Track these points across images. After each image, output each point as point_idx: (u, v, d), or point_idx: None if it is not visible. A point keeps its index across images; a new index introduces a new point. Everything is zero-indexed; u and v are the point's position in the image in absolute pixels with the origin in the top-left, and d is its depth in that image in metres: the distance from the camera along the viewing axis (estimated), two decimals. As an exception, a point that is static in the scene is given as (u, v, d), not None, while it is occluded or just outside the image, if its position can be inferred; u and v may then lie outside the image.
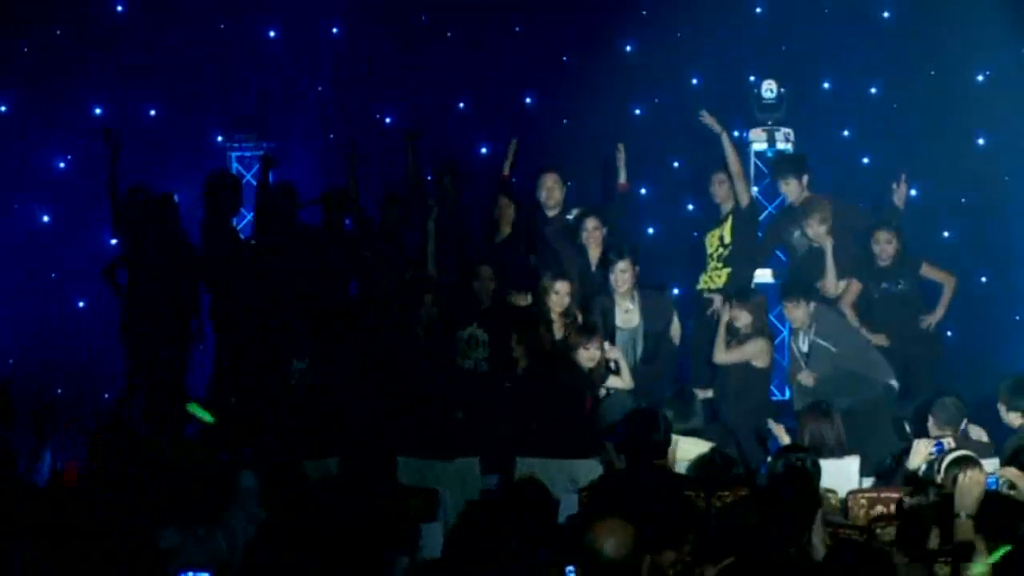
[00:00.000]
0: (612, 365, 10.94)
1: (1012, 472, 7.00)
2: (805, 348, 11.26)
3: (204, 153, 13.58)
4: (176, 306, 11.85)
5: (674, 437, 8.73)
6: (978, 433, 9.70)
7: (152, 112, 13.62)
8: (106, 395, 13.38)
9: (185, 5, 13.46)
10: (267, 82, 13.57)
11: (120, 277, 11.93)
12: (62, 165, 13.89)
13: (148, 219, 11.77)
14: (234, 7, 13.64)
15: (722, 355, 11.18)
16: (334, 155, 12.82)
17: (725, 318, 11.23)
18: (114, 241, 13.04)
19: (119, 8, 13.88)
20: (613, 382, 10.90)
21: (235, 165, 13.58)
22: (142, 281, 11.84)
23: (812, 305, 11.25)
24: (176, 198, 12.07)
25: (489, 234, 12.18)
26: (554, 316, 11.25)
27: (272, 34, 14.13)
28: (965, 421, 9.61)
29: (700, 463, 8.67)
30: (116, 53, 13.46)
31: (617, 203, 12.20)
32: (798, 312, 11.24)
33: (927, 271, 12.03)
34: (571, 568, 5.81)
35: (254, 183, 12.61)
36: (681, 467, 8.86)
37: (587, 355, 10.70)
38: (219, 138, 13.64)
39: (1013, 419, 9.68)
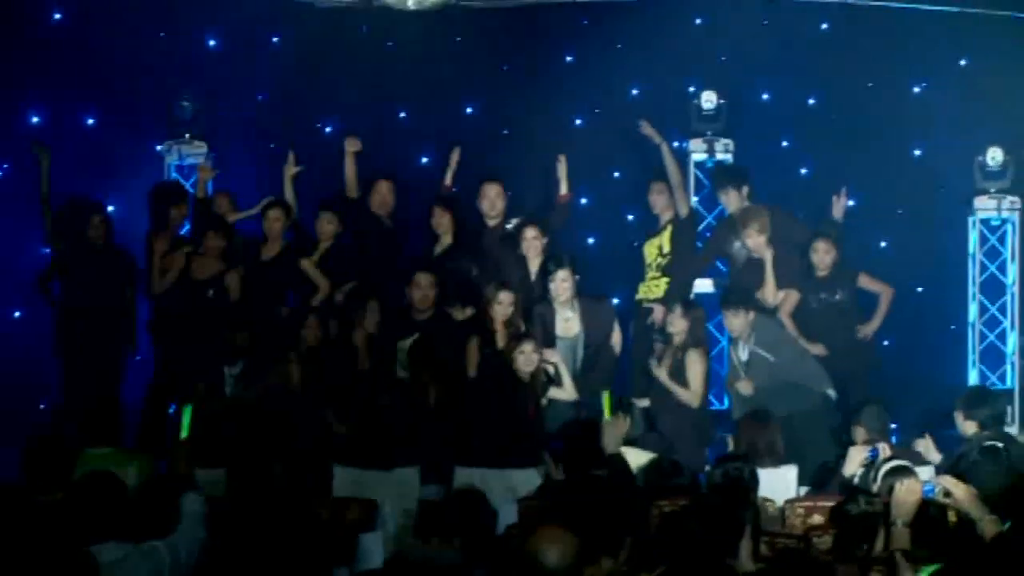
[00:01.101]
0: (552, 372, 10.92)
1: (948, 480, 7.02)
2: (744, 357, 11.28)
3: (143, 162, 13.48)
4: (111, 316, 11.78)
5: (623, 430, 8.74)
6: (925, 445, 9.73)
7: (90, 121, 13.52)
8: (42, 406, 13.29)
9: (124, 14, 13.34)
10: (207, 91, 13.48)
11: (54, 287, 11.84)
12: (-1, 174, 13.79)
13: (81, 229, 11.69)
14: (174, 16, 13.55)
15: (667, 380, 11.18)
16: (274, 164, 12.73)
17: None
18: (47, 251, 12.96)
19: (56, 16, 13.77)
20: (555, 393, 10.87)
21: (174, 174, 13.49)
22: (76, 291, 11.77)
23: (752, 314, 11.29)
24: (110, 207, 12.01)
25: (429, 245, 12.15)
26: (497, 326, 11.22)
27: (212, 43, 14.07)
28: (928, 437, 9.68)
29: (650, 469, 8.66)
30: (53, 61, 13.33)
31: (558, 213, 12.20)
32: (737, 321, 11.27)
33: (864, 282, 12.11)
34: None
35: (193, 191, 12.55)
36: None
37: (523, 359, 10.65)
38: (158, 147, 13.54)
39: (968, 427, 9.74)
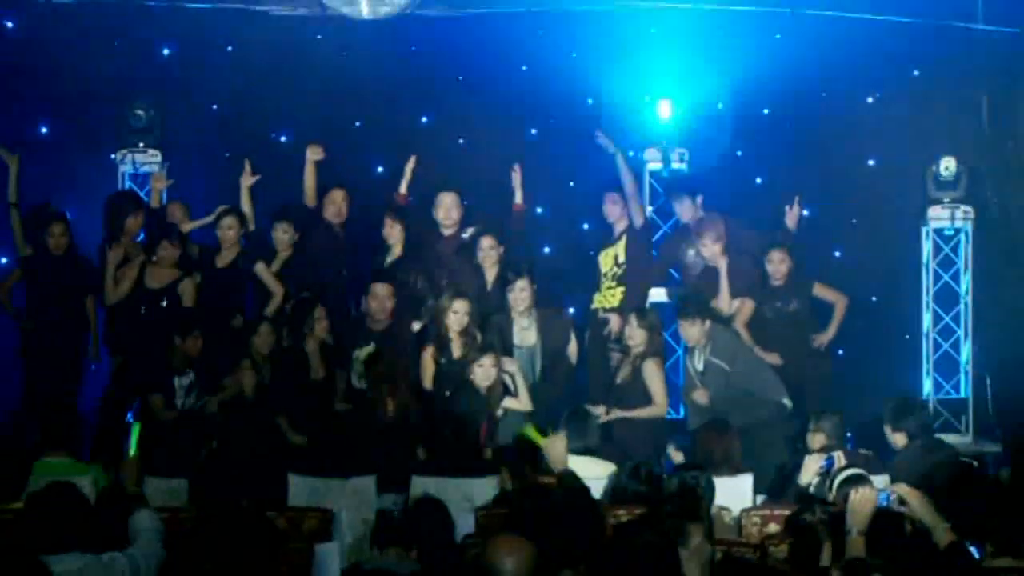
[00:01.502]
0: (509, 384, 10.93)
1: (903, 488, 7.08)
2: (700, 367, 11.32)
3: (97, 170, 13.41)
4: (71, 325, 11.75)
5: (565, 444, 8.74)
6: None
7: (44, 129, 13.46)
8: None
9: (77, 22, 13.29)
10: (161, 99, 13.43)
11: (17, 296, 11.78)
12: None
13: (41, 237, 11.66)
14: (128, 24, 13.50)
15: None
16: (229, 172, 12.70)
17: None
18: (3, 260, 12.90)
19: (8, 24, 13.70)
20: (510, 403, 10.88)
21: (128, 182, 13.43)
22: (37, 300, 11.72)
23: (708, 324, 11.33)
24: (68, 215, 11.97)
25: (380, 255, 12.14)
26: (452, 335, 11.24)
27: (166, 52, 14.02)
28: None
29: (624, 474, 8.67)
30: (5, 69, 13.26)
31: (513, 222, 12.22)
32: (693, 330, 11.30)
33: (819, 291, 12.19)
34: None
35: (147, 200, 12.50)
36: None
37: (482, 372, 10.68)
38: (112, 155, 13.48)
39: (898, 439, 9.84)
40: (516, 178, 12.21)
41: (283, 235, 11.96)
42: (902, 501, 7.04)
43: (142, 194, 12.88)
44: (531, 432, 8.65)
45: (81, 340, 11.90)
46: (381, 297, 11.38)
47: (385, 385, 10.70)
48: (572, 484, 7.91)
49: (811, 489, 8.89)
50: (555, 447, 8.17)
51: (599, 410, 10.95)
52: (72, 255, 11.79)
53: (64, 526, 6.55)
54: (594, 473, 9.24)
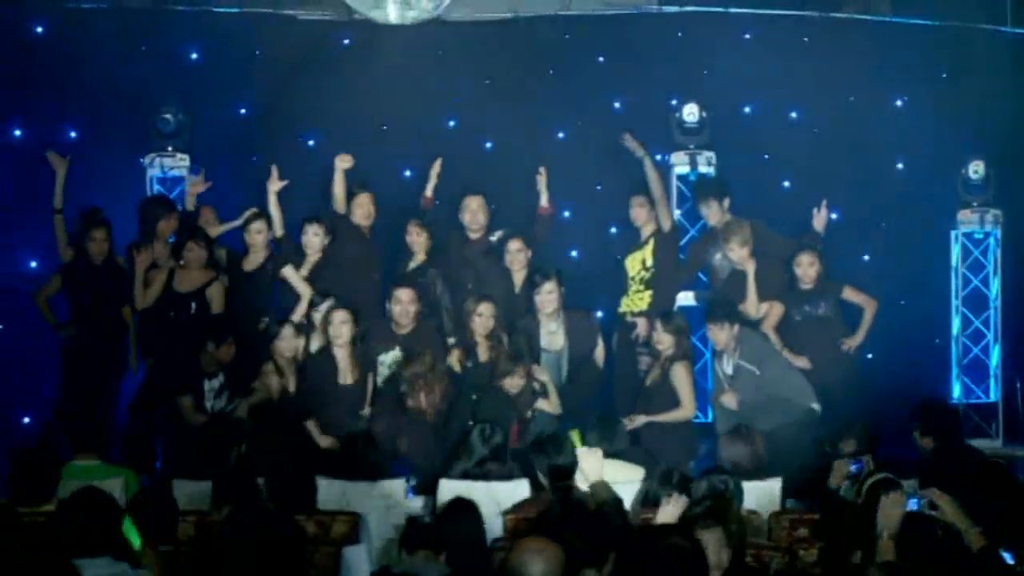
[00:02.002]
0: (538, 387, 10.95)
1: (934, 492, 7.05)
2: (729, 370, 11.31)
3: (125, 174, 13.45)
4: (110, 333, 11.77)
5: (601, 458, 8.75)
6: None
7: (73, 133, 13.50)
8: (25, 419, 13.26)
9: (105, 26, 13.36)
10: (190, 104, 13.47)
11: (60, 302, 11.79)
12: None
13: (87, 242, 11.67)
14: (156, 29, 13.55)
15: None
16: (256, 176, 12.73)
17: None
18: (32, 264, 12.93)
19: (38, 29, 13.74)
20: (542, 404, 10.92)
21: (156, 186, 13.48)
22: (78, 307, 11.73)
23: (736, 328, 11.32)
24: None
25: (403, 260, 12.15)
26: (478, 339, 11.25)
27: (194, 56, 14.05)
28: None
29: (659, 480, 8.67)
30: (35, 74, 13.31)
31: (540, 226, 12.22)
32: (722, 334, 11.30)
33: (849, 295, 12.14)
34: None
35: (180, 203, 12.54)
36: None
37: (512, 383, 10.73)
38: (141, 159, 13.53)
39: (926, 443, 9.82)
40: (542, 181, 12.21)
41: (314, 237, 11.97)
42: (933, 505, 7.01)
43: (172, 197, 12.92)
44: (576, 438, 8.67)
45: (119, 347, 11.88)
46: (404, 302, 11.39)
47: (422, 384, 10.73)
48: (605, 495, 7.92)
49: (840, 493, 8.85)
50: (589, 460, 8.19)
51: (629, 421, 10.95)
52: (112, 262, 11.79)
53: (95, 530, 6.57)
54: (622, 477, 9.25)
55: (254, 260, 11.91)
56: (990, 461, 9.61)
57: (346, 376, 11.24)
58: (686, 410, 11.14)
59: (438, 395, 10.81)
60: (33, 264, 13.12)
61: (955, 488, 7.31)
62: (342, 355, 11.23)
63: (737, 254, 12.03)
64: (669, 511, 7.37)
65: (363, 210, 12.08)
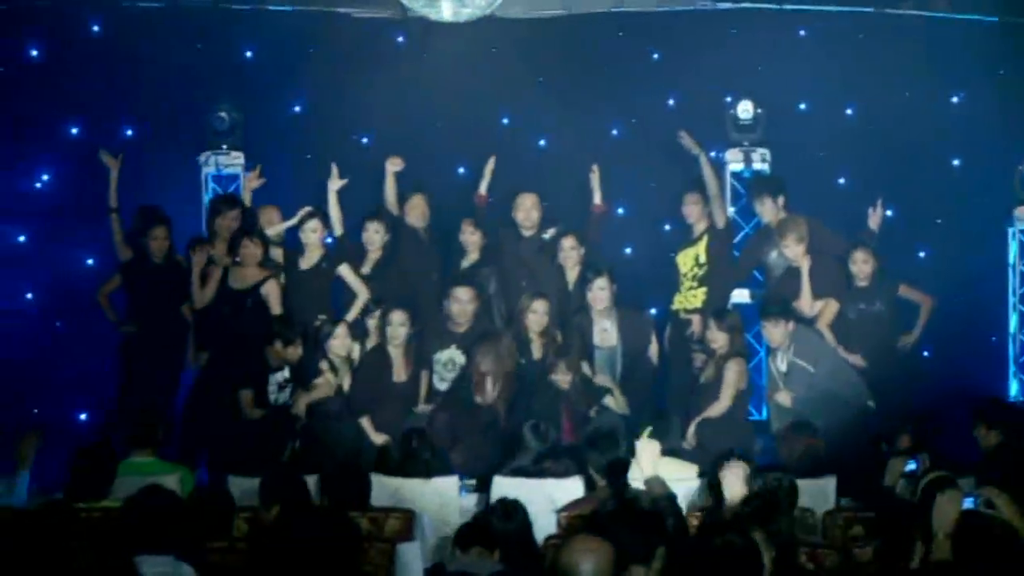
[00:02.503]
0: (597, 382, 10.97)
1: (991, 491, 7.01)
2: (783, 368, 11.28)
3: (181, 172, 13.53)
4: (171, 332, 11.81)
5: (658, 451, 8.74)
6: None
7: (129, 132, 13.58)
8: (82, 416, 13.35)
9: (161, 26, 13.41)
10: (244, 102, 13.53)
11: (118, 299, 11.85)
12: (38, 185, 13.84)
13: (147, 241, 11.72)
14: (211, 28, 13.61)
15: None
16: (311, 174, 12.78)
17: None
18: (90, 262, 13.01)
19: (95, 28, 13.83)
20: (609, 401, 10.94)
21: (211, 184, 13.56)
22: (140, 304, 11.78)
23: (791, 325, 11.28)
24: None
25: (457, 259, 12.16)
26: (532, 336, 11.26)
27: (248, 54, 14.10)
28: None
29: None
30: (92, 73, 13.40)
31: (592, 224, 12.21)
32: (777, 331, 11.28)
33: (905, 291, 12.09)
34: None
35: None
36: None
37: (561, 377, 10.73)
38: (196, 157, 13.61)
39: (991, 439, 9.76)
40: (594, 179, 12.21)
41: (375, 235, 12.00)
42: (990, 503, 6.97)
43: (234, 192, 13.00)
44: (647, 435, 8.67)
45: (178, 344, 11.93)
46: (464, 301, 11.41)
47: (494, 368, 10.75)
48: (660, 490, 7.90)
49: (896, 491, 8.80)
50: (648, 451, 8.18)
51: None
52: (172, 259, 11.84)
53: (158, 528, 6.61)
54: (676, 474, 9.25)
55: (310, 259, 11.94)
56: None
57: (400, 374, 11.27)
58: (721, 404, 11.08)
59: (506, 388, 10.82)
60: (90, 262, 13.20)
61: (1013, 487, 7.28)
62: (396, 353, 11.26)
63: (793, 251, 11.98)
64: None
65: (418, 211, 12.11)
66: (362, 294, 11.79)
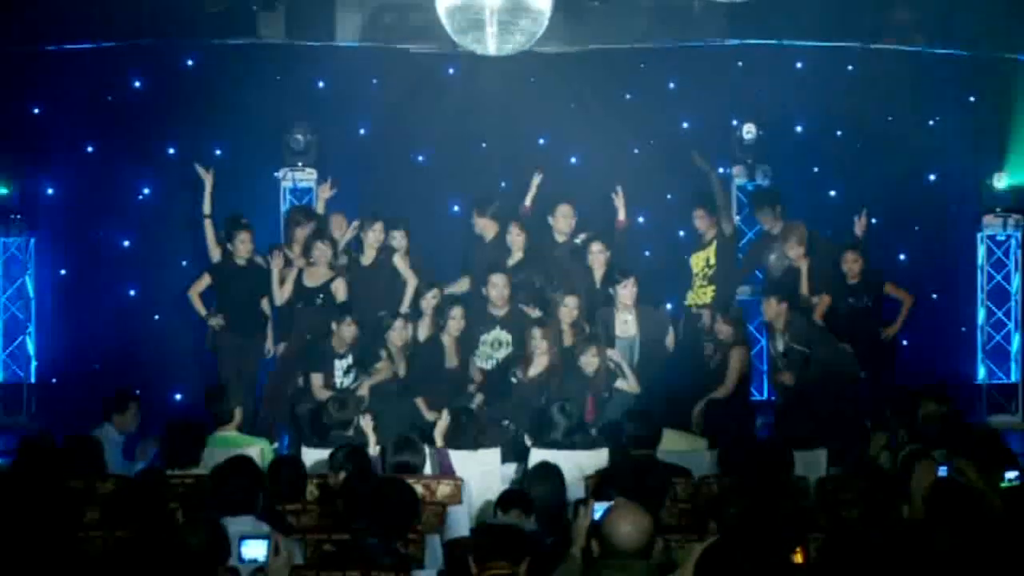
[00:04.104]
0: (612, 366, 10.94)
1: (960, 461, 7.02)
2: (780, 348, 11.37)
3: (262, 186, 13.63)
4: (254, 322, 11.84)
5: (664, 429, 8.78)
6: None
7: (218, 151, 13.65)
8: (178, 396, 13.44)
9: (245, 60, 13.48)
10: (317, 125, 13.60)
11: (207, 295, 11.90)
12: (140, 198, 13.94)
13: (234, 244, 11.75)
14: (289, 61, 13.66)
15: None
16: (375, 187, 12.85)
17: None
18: (183, 263, 13.08)
19: (189, 63, 13.94)
20: (621, 384, 10.92)
21: (288, 196, 13.64)
22: (226, 300, 11.80)
23: (784, 305, 11.39)
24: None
25: (503, 258, 12.15)
26: (564, 327, 11.27)
27: (321, 84, 14.16)
28: None
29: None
30: (187, 101, 13.50)
31: (617, 236, 12.18)
32: (770, 306, 11.43)
33: (889, 290, 12.13)
34: None
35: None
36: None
37: (587, 361, 10.73)
38: (275, 173, 13.68)
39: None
40: (618, 200, 12.17)
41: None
42: (961, 471, 6.98)
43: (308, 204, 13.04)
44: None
45: (259, 335, 11.94)
46: (500, 286, 11.42)
47: (543, 343, 10.72)
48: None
49: (880, 461, 8.79)
50: None
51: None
52: (253, 261, 11.86)
53: (242, 493, 6.65)
54: (686, 446, 9.28)
55: (370, 255, 11.96)
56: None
57: (452, 360, 11.28)
58: (726, 388, 11.10)
59: (551, 362, 10.81)
60: (184, 263, 13.26)
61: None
62: (449, 342, 11.27)
63: (795, 251, 12.04)
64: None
65: (561, 219, 12.07)
66: (411, 281, 11.81)
